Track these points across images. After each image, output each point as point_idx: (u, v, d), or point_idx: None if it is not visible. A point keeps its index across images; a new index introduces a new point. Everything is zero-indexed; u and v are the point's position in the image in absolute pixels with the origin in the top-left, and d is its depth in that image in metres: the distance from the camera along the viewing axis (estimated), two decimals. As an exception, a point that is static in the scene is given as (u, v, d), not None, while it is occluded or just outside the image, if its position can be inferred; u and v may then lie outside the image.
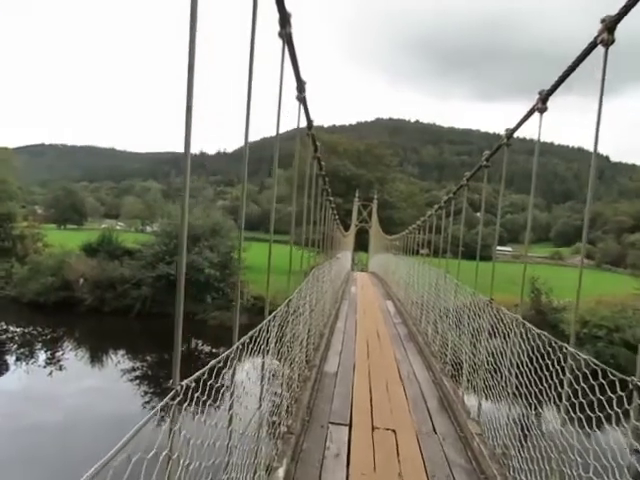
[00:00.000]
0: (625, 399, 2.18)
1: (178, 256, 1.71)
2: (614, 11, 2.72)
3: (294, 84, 3.92)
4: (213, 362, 1.98)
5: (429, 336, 8.66)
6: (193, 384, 1.67)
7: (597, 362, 2.37)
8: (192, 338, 21.27)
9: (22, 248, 30.24)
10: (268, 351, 3.31)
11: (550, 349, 3.08)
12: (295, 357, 4.89)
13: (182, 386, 1.59)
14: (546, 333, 3.22)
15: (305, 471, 3.78)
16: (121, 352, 19.62)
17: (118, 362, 18.32)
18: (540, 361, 3.19)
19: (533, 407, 3.35)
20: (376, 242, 31.90)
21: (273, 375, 3.97)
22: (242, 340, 2.42)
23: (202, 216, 28.75)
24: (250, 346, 2.62)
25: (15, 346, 19.80)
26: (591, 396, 2.42)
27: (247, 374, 2.92)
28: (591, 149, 2.93)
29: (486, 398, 4.71)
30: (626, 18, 2.72)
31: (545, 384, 3.09)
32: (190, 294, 24.23)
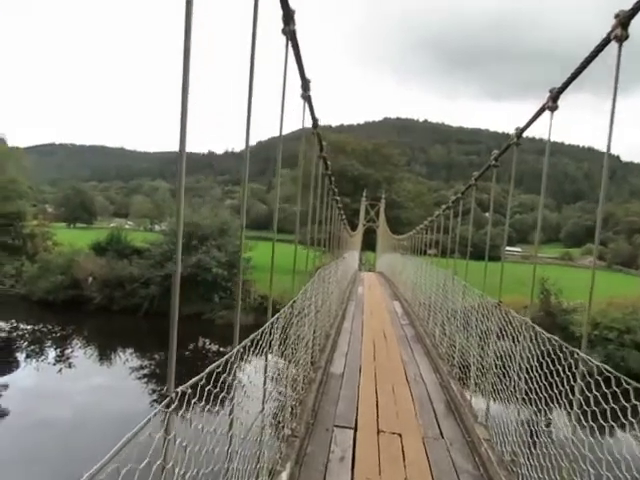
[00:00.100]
0: (640, 408, 2.09)
1: (174, 263, 1.64)
2: (628, 6, 2.64)
3: (299, 82, 3.87)
4: (212, 367, 1.92)
5: (436, 338, 8.56)
6: (189, 390, 1.62)
7: (610, 369, 2.28)
8: (199, 337, 21.33)
9: (32, 246, 30.54)
10: (271, 353, 3.26)
11: (561, 354, 2.99)
12: (300, 359, 4.83)
13: (177, 393, 1.54)
14: (557, 337, 3.13)
15: (309, 475, 3.72)
16: (129, 350, 19.73)
17: (126, 360, 18.43)
18: (550, 366, 3.10)
19: (543, 413, 3.26)
20: (383, 242, 31.77)
21: (277, 377, 3.92)
22: (243, 343, 2.36)
23: (210, 215, 28.84)
24: (252, 349, 2.57)
25: (25, 343, 20.03)
26: (604, 404, 2.33)
27: (249, 377, 2.86)
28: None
29: (494, 402, 4.62)
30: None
31: (556, 390, 3.01)
32: (198, 293, 24.35)
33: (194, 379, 1.73)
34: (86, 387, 14.99)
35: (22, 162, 32.01)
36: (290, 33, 2.75)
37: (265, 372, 3.16)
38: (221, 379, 1.97)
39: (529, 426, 3.56)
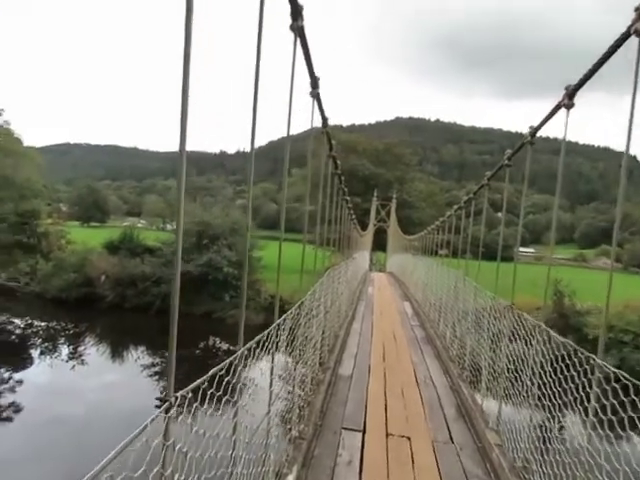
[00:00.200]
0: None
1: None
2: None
3: (309, 80, 3.82)
4: (214, 370, 1.88)
5: (447, 339, 8.45)
6: (190, 394, 1.57)
7: (629, 377, 2.19)
8: (210, 336, 21.41)
9: (47, 245, 30.91)
10: (278, 354, 3.21)
11: (576, 359, 2.89)
12: (308, 360, 4.78)
13: (177, 397, 1.50)
14: (571, 342, 3.02)
15: (316, 478, 3.67)
16: (141, 348, 19.87)
17: (138, 358, 18.56)
18: (565, 372, 3.00)
19: (557, 420, 3.16)
20: (394, 242, 31.57)
21: (284, 379, 3.87)
22: (248, 345, 2.32)
23: (221, 215, 28.93)
24: (257, 351, 2.52)
25: (39, 340, 20.30)
26: (621, 413, 2.24)
27: (254, 379, 2.82)
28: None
29: (506, 407, 4.52)
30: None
31: (570, 396, 2.91)
32: (209, 292, 24.47)
33: (196, 382, 1.69)
34: (98, 384, 15.14)
35: (37, 161, 32.41)
36: (298, 29, 2.70)
37: (271, 374, 3.11)
38: (224, 382, 1.93)
39: (542, 432, 3.46)
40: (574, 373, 2.88)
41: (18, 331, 21.42)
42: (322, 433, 4.51)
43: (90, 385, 14.96)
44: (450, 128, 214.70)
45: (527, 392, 3.79)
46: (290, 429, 3.94)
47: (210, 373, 1.83)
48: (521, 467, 3.71)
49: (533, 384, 3.64)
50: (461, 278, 7.94)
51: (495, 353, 5.08)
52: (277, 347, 3.08)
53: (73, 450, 10.09)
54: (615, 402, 2.36)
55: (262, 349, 2.67)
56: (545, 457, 3.20)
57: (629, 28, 2.67)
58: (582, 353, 2.86)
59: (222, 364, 1.98)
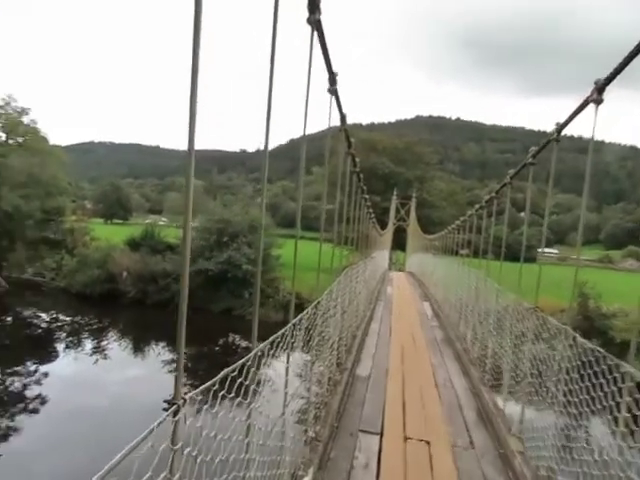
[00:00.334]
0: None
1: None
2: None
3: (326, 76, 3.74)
4: (226, 370, 1.84)
5: (468, 342, 8.27)
6: (200, 396, 1.53)
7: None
8: (229, 333, 21.58)
9: (71, 241, 31.72)
10: (293, 354, 3.15)
11: (605, 366, 2.75)
12: (325, 360, 4.72)
13: (185, 400, 1.45)
14: (600, 349, 2.88)
15: (332, 481, 3.61)
16: (162, 344, 20.14)
17: (159, 353, 18.83)
18: (593, 379, 2.86)
19: (584, 430, 3.02)
20: (414, 241, 31.21)
21: (300, 377, 3.82)
22: (262, 346, 2.27)
23: (241, 213, 29.13)
24: (272, 352, 2.47)
25: (64, 334, 20.83)
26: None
27: (269, 380, 2.77)
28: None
29: (529, 413, 4.37)
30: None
31: (599, 405, 2.77)
32: (228, 290, 24.68)
33: (206, 384, 1.64)
34: (121, 378, 15.43)
35: (62, 160, 33.22)
36: (315, 23, 2.63)
37: (286, 375, 3.06)
38: (237, 383, 1.88)
39: (568, 441, 3.31)
40: (602, 381, 2.74)
41: (44, 325, 22.02)
42: (339, 435, 4.44)
43: (113, 379, 15.25)
44: (471, 126, 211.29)
45: (552, 399, 3.64)
46: (306, 430, 3.88)
47: (221, 374, 1.79)
48: (545, 477, 3.57)
49: (558, 390, 3.50)
50: (482, 279, 7.76)
51: (518, 357, 4.93)
52: (292, 348, 3.02)
53: (96, 442, 10.28)
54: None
55: (277, 349, 2.62)
56: (571, 468, 3.06)
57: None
58: (612, 360, 2.71)
59: (234, 365, 1.93)
